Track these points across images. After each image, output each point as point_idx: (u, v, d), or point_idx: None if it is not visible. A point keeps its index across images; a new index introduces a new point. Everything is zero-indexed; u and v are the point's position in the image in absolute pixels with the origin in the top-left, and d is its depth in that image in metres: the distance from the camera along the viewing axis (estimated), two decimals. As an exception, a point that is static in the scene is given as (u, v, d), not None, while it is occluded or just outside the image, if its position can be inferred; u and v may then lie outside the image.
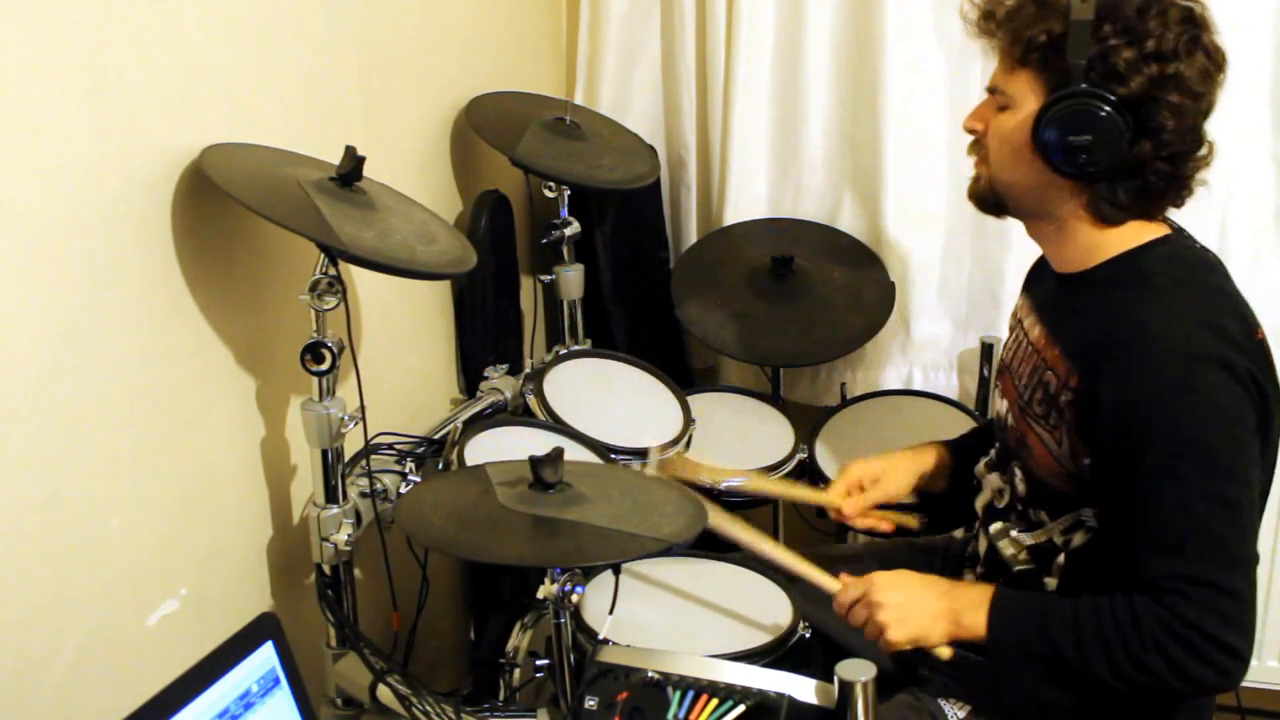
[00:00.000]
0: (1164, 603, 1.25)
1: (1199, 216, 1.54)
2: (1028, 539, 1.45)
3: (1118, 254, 1.37)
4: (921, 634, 1.38)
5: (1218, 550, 1.25)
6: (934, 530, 1.72)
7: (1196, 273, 1.36)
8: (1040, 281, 1.54)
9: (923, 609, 1.38)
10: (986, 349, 2.25)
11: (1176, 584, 1.24)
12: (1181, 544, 1.25)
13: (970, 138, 1.46)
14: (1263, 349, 1.32)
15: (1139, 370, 1.27)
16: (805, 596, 1.60)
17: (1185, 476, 1.25)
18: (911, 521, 1.68)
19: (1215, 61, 1.32)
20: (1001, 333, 2.28)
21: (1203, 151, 1.35)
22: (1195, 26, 1.31)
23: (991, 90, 1.42)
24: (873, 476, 1.68)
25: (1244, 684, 1.28)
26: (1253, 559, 1.29)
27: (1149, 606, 1.25)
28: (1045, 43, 1.32)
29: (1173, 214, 1.42)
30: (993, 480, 1.54)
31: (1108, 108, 1.29)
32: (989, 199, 1.45)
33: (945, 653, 1.39)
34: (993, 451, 1.58)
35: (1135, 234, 1.38)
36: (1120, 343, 1.30)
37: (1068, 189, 1.36)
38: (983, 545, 1.53)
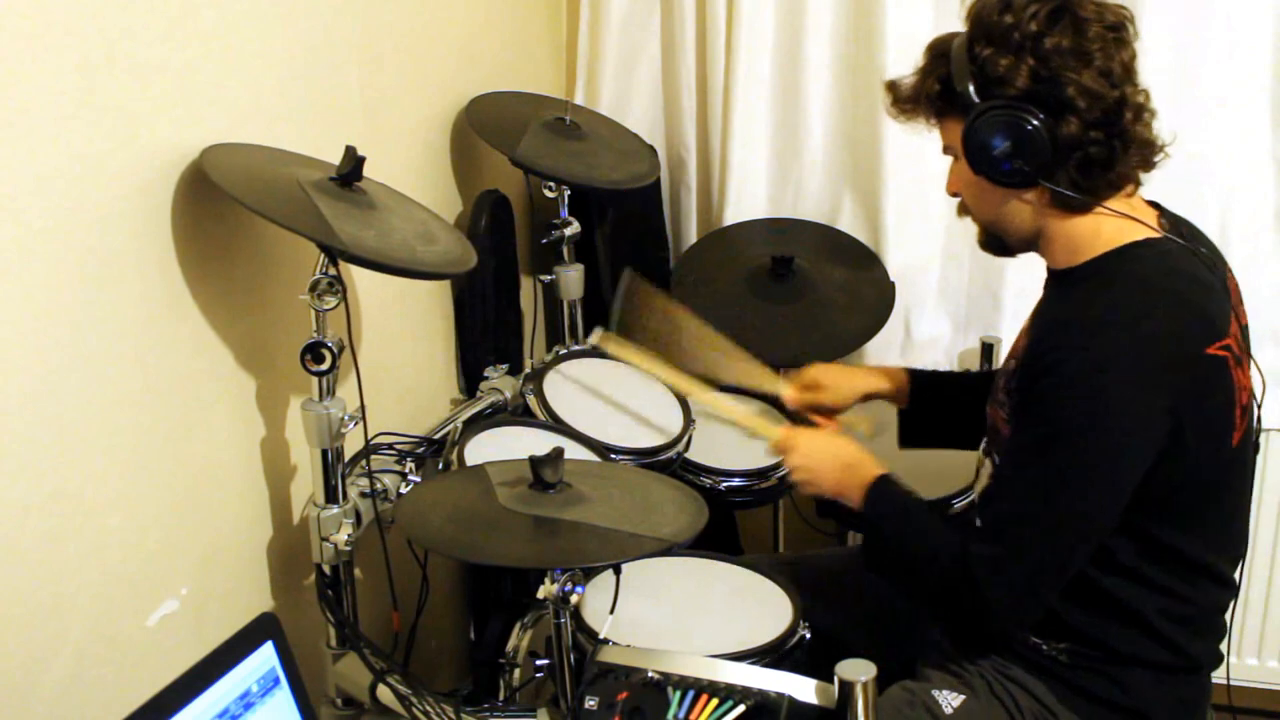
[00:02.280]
0: (970, 542, 1.38)
1: (1199, 217, 1.54)
2: None
3: (1102, 253, 1.39)
4: (817, 491, 1.60)
5: (1026, 529, 1.35)
6: (905, 442, 1.84)
7: (1158, 278, 1.36)
8: None
9: (821, 473, 1.58)
10: (986, 349, 2.25)
11: (979, 535, 1.38)
12: (1000, 510, 1.39)
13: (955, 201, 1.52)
14: (1208, 365, 1.32)
15: (1059, 355, 1.31)
16: (804, 596, 1.61)
17: (1031, 464, 1.34)
18: (862, 425, 1.83)
19: (1091, 16, 1.33)
20: (1001, 333, 2.28)
21: (1139, 100, 1.35)
22: (1048, 0, 1.32)
23: (945, 151, 1.48)
24: (822, 383, 1.83)
25: (1244, 684, 1.29)
26: (1067, 557, 1.36)
27: (968, 541, 1.38)
28: (941, 89, 1.40)
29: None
30: (987, 466, 1.55)
31: (1007, 111, 1.33)
32: (990, 243, 1.52)
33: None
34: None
35: (1121, 234, 1.38)
36: (1062, 328, 1.34)
37: (1031, 196, 1.40)
38: None
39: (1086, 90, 1.31)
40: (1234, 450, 1.38)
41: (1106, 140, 1.33)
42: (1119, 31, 1.34)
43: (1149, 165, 1.40)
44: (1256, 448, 1.47)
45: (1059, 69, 1.31)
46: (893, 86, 1.49)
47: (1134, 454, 1.31)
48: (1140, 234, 1.38)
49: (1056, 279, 1.46)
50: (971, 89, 1.35)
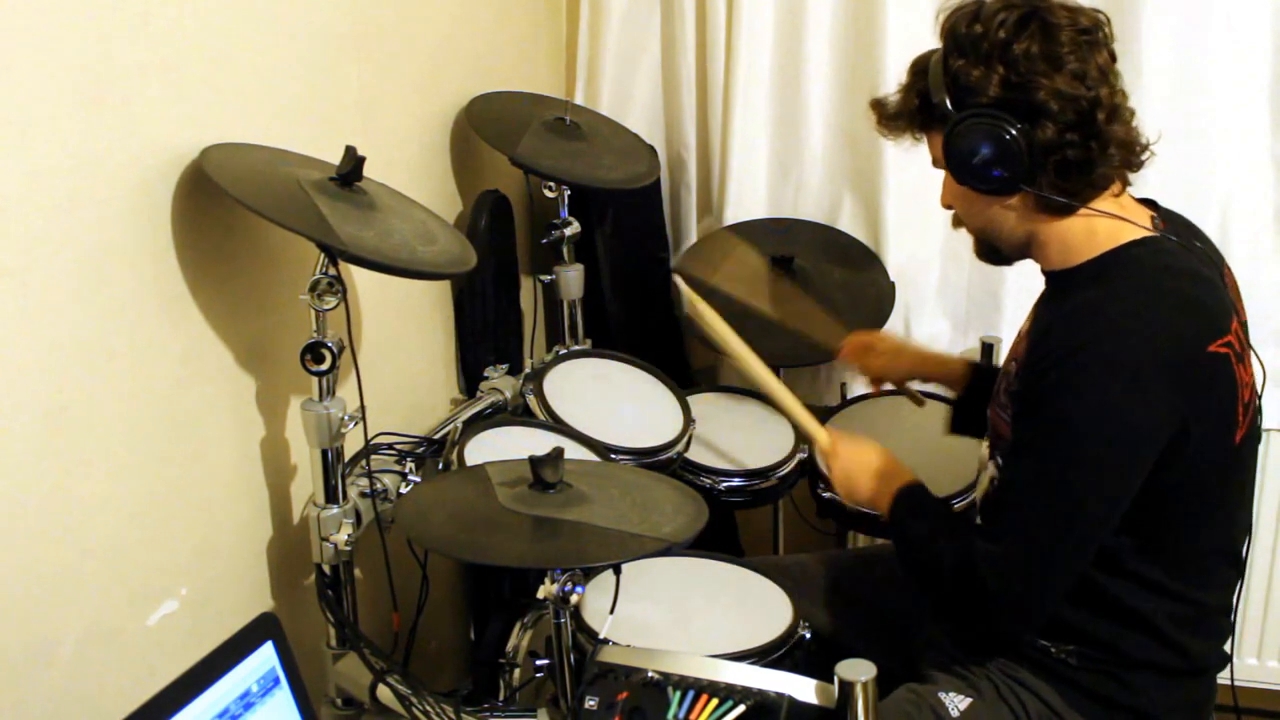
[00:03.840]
0: (974, 548, 1.38)
1: (1199, 217, 1.54)
2: None
3: (1098, 254, 1.38)
4: (855, 501, 1.63)
5: (1030, 535, 1.35)
6: (954, 429, 1.87)
7: (1158, 277, 1.35)
8: None
9: (857, 485, 1.60)
10: (986, 349, 2.25)
11: (983, 543, 1.38)
12: (1005, 516, 1.39)
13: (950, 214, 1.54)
14: (1210, 363, 1.32)
15: (1058, 357, 1.31)
16: (804, 596, 1.61)
17: (1044, 468, 1.34)
18: (915, 398, 1.91)
19: (1063, 22, 1.33)
20: (1001, 333, 2.28)
21: (1115, 101, 1.35)
22: (1016, 7, 1.34)
23: (935, 165, 1.49)
24: (876, 349, 1.90)
25: (1244, 684, 1.30)
26: (1067, 561, 1.36)
27: (973, 545, 1.38)
28: (920, 103, 1.43)
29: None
30: (990, 468, 1.55)
31: (981, 119, 1.34)
32: (986, 252, 1.53)
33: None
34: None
35: (1117, 234, 1.38)
36: (1060, 331, 1.34)
37: (1015, 202, 1.40)
38: None
39: (1059, 94, 1.31)
40: (1237, 446, 1.37)
41: (1083, 142, 1.33)
42: (1092, 35, 1.34)
43: (1133, 165, 1.40)
44: (1259, 439, 1.47)
45: (1029, 74, 1.31)
46: (879, 105, 1.51)
47: (1139, 454, 1.31)
48: (1136, 233, 1.38)
49: (1054, 281, 1.46)
50: (947, 101, 1.37)
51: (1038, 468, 1.35)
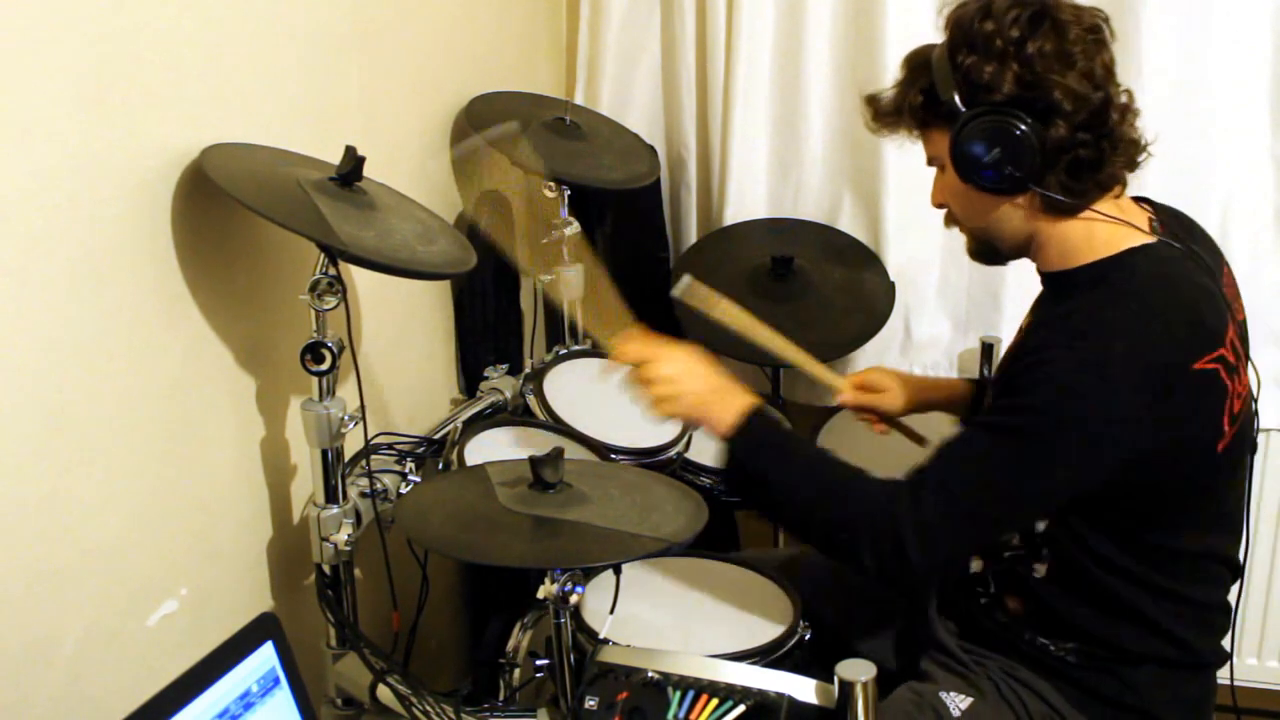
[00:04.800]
0: (892, 489, 1.34)
1: (1199, 217, 1.54)
2: None
3: (1098, 259, 1.38)
4: (680, 414, 1.49)
5: (962, 501, 1.32)
6: None
7: (1153, 289, 1.34)
8: None
9: (689, 391, 1.46)
10: (986, 349, 2.25)
11: (907, 489, 1.33)
12: (943, 474, 1.34)
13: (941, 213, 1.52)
14: (1195, 379, 1.31)
15: (1046, 353, 1.31)
16: (804, 590, 1.61)
17: (987, 434, 1.33)
18: (916, 438, 1.80)
19: (1070, 20, 1.33)
20: (1001, 332, 2.28)
21: (1124, 101, 1.36)
22: (1027, 5, 1.33)
23: (930, 163, 1.48)
24: (880, 387, 1.79)
25: (1243, 684, 1.29)
26: (985, 531, 1.37)
27: (892, 499, 1.33)
28: (924, 100, 1.40)
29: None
30: None
31: (994, 117, 1.33)
32: (981, 252, 1.52)
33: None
34: None
35: (1116, 239, 1.38)
36: (1047, 332, 1.35)
37: (1021, 202, 1.39)
38: None
39: (1072, 93, 1.31)
40: (1220, 455, 1.36)
41: (1095, 142, 1.34)
42: (1097, 34, 1.35)
43: (1134, 165, 1.40)
44: (1254, 448, 1.47)
45: (1044, 73, 1.31)
46: (873, 101, 1.50)
47: (1100, 454, 1.30)
48: (1135, 239, 1.38)
49: (1051, 282, 1.46)
50: (956, 98, 1.35)
51: (993, 439, 1.33)
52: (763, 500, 1.47)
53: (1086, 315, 1.33)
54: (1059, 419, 1.29)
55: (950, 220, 1.52)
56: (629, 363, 1.50)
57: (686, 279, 1.61)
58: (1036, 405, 1.30)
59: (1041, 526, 1.42)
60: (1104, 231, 1.38)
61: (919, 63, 1.43)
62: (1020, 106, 1.32)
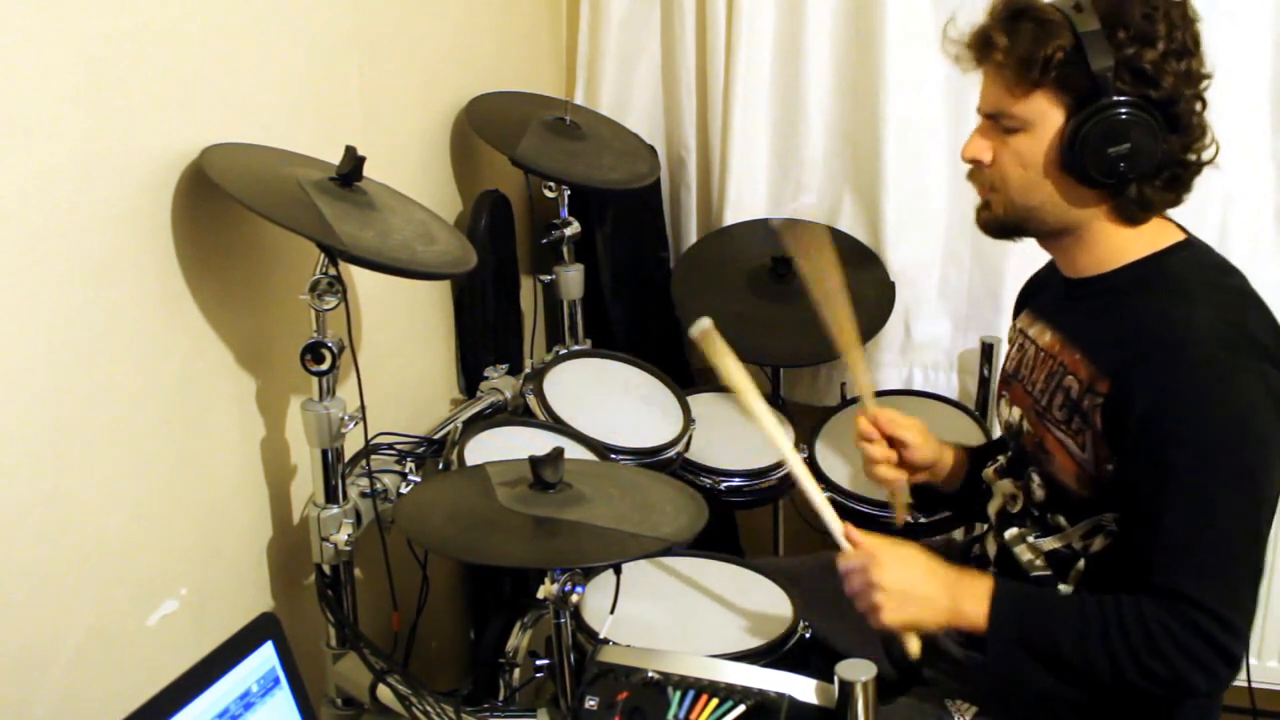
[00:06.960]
0: (1174, 610, 1.24)
1: (1199, 216, 1.54)
2: (1045, 544, 1.44)
3: (1139, 258, 1.37)
4: (916, 621, 1.35)
5: (1234, 565, 1.26)
6: (931, 530, 1.75)
7: (1220, 276, 1.36)
8: (1041, 293, 1.55)
9: (922, 596, 1.34)
10: (986, 349, 2.25)
11: (1189, 592, 1.24)
12: (1200, 555, 1.25)
13: (967, 168, 1.42)
14: None
15: (1175, 376, 1.26)
16: (804, 601, 1.60)
17: (1214, 493, 1.25)
18: (900, 510, 1.67)
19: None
20: (1001, 332, 2.27)
21: (1210, 136, 1.35)
22: (1193, 21, 1.32)
23: (991, 116, 1.37)
24: (912, 444, 1.61)
25: (1261, 686, 1.27)
26: (1261, 571, 1.30)
27: (1158, 611, 1.25)
28: (1061, 59, 1.29)
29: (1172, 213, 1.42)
30: (1004, 486, 1.53)
31: (1144, 113, 1.29)
32: (1005, 225, 1.42)
33: (914, 648, 1.38)
34: (1002, 458, 1.57)
35: (1154, 238, 1.37)
36: (1155, 345, 1.29)
37: (1093, 197, 1.35)
38: (992, 549, 1.53)
39: (1192, 111, 1.31)
40: None
41: (1190, 164, 1.33)
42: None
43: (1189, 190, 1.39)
44: None
45: (1190, 88, 1.30)
46: (985, 36, 1.34)
47: (1276, 454, 1.28)
48: (1172, 235, 1.38)
49: (1084, 287, 1.41)
50: (1110, 75, 1.27)
51: (1206, 501, 1.25)
52: (1059, 669, 1.31)
53: (1188, 322, 1.28)
54: (1239, 439, 1.25)
55: (981, 180, 1.41)
56: (847, 572, 1.38)
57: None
58: (1211, 442, 1.25)
59: (1080, 545, 1.39)
60: (1142, 236, 1.37)
61: (1044, 17, 1.30)
62: (1161, 108, 1.29)
